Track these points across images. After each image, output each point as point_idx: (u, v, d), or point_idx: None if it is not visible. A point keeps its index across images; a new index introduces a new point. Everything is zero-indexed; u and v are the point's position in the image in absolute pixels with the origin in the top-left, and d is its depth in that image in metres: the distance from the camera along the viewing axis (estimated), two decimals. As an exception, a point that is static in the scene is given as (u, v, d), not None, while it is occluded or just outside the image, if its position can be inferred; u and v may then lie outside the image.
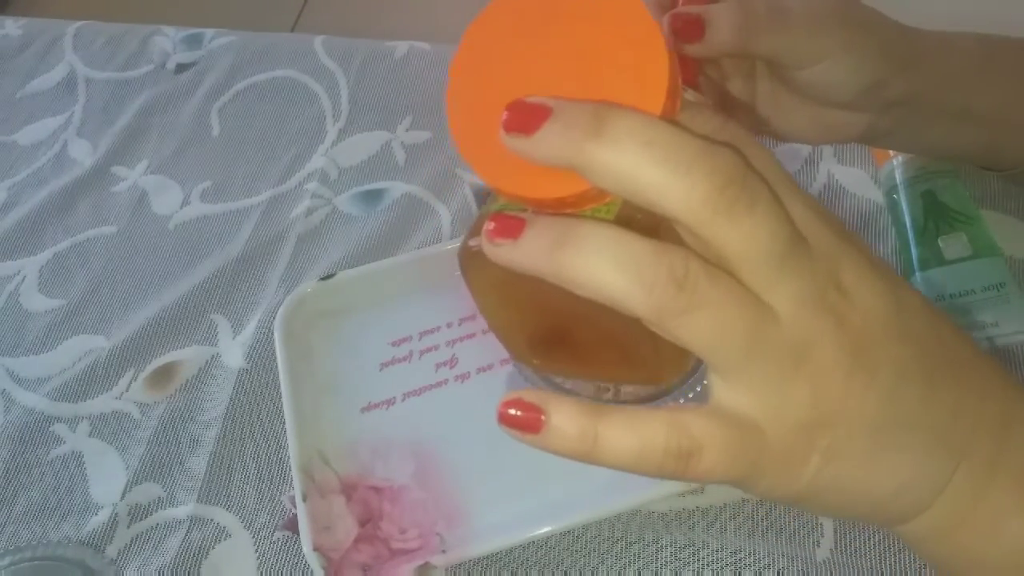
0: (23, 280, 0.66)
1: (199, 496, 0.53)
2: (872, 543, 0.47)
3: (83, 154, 0.73)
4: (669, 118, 0.26)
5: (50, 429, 0.58)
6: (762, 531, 0.48)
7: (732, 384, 0.26)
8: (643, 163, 0.23)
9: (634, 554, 0.48)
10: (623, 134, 0.23)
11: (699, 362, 0.49)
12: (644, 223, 0.26)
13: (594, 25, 0.26)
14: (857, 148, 0.62)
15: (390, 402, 0.55)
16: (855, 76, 0.41)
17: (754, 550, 0.47)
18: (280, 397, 0.54)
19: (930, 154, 0.56)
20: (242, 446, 0.55)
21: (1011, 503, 0.28)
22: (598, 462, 0.26)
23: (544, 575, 0.48)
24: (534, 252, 0.25)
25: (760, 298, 0.25)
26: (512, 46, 0.27)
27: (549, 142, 0.24)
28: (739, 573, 0.47)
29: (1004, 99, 0.46)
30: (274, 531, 0.52)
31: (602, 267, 0.24)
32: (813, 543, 0.47)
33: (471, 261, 0.35)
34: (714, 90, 0.45)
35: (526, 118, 0.24)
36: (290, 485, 0.51)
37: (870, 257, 0.27)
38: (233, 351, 0.59)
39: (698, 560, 0.48)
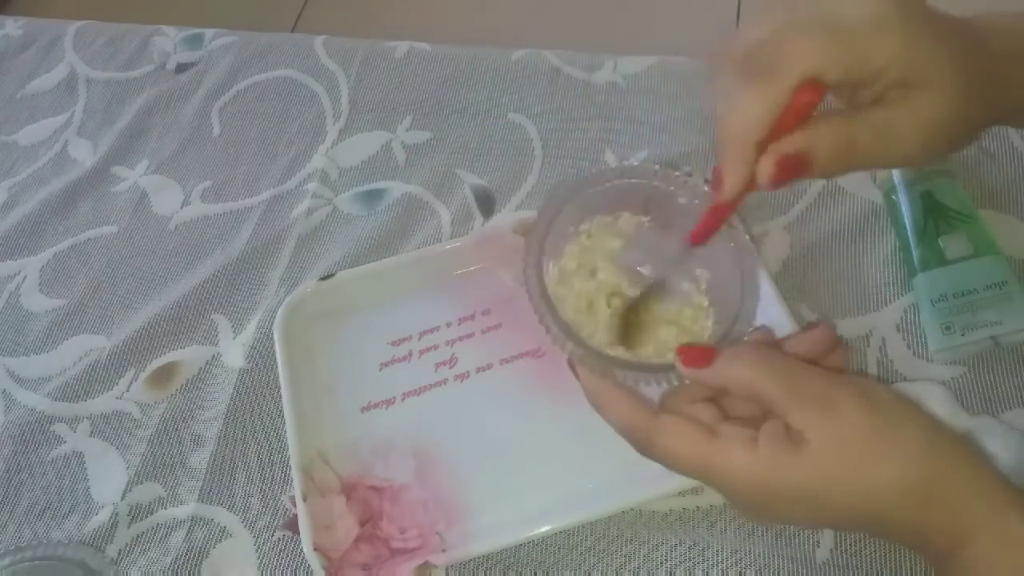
0: (24, 280, 0.66)
1: (200, 496, 0.54)
2: (872, 545, 0.47)
3: (83, 154, 0.73)
4: None
5: (51, 429, 0.58)
6: (762, 532, 0.48)
7: None
8: None
9: (635, 554, 0.48)
10: None
11: None
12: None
13: None
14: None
15: (390, 402, 0.55)
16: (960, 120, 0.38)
17: (754, 550, 0.47)
18: (280, 397, 0.54)
19: None
20: (243, 446, 0.55)
21: None
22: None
23: (545, 575, 0.48)
24: None
25: None
26: None
27: None
28: (741, 574, 0.47)
29: None
30: (274, 531, 0.52)
31: None
32: (813, 544, 0.47)
33: None
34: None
35: None
36: (290, 485, 0.51)
37: None
38: (233, 351, 0.59)
39: (698, 560, 0.48)
